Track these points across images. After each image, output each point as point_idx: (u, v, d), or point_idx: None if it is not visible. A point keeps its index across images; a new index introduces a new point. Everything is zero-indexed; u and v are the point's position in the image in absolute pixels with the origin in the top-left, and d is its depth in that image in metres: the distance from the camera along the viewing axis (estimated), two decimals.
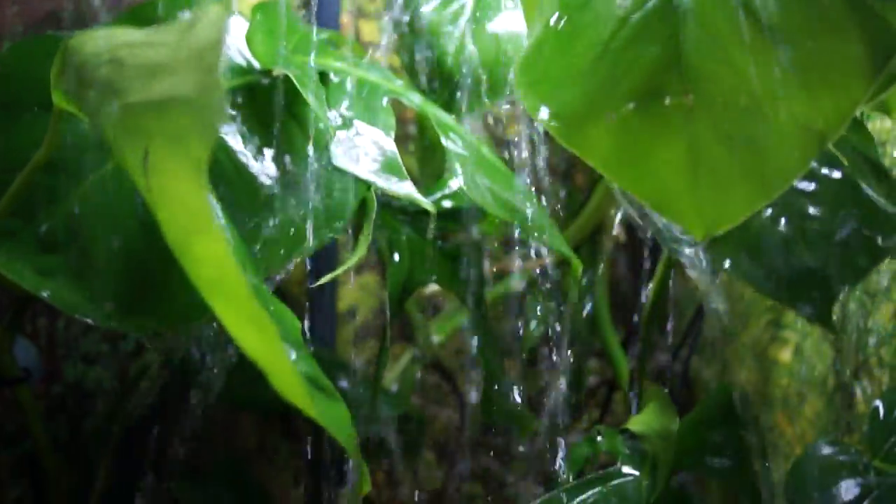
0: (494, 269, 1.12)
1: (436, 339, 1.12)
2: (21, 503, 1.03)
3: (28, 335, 1.02)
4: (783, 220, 0.77)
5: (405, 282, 0.81)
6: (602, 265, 1.04)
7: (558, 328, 1.01)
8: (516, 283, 1.11)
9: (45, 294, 0.72)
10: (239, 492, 0.95)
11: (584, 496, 0.86)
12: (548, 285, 1.03)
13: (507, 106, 0.97)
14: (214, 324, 0.89)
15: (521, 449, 1.24)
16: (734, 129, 0.57)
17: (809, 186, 0.78)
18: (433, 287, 1.15)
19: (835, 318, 1.07)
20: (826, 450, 0.88)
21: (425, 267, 0.82)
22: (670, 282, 0.98)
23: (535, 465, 1.21)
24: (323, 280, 0.75)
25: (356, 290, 1.21)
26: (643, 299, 1.06)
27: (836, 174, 0.78)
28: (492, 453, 1.26)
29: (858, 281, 0.80)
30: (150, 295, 0.74)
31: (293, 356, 0.68)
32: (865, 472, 0.86)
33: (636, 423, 0.86)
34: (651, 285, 0.99)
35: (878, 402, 0.91)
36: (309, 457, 1.11)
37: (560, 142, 0.58)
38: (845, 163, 0.76)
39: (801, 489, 0.85)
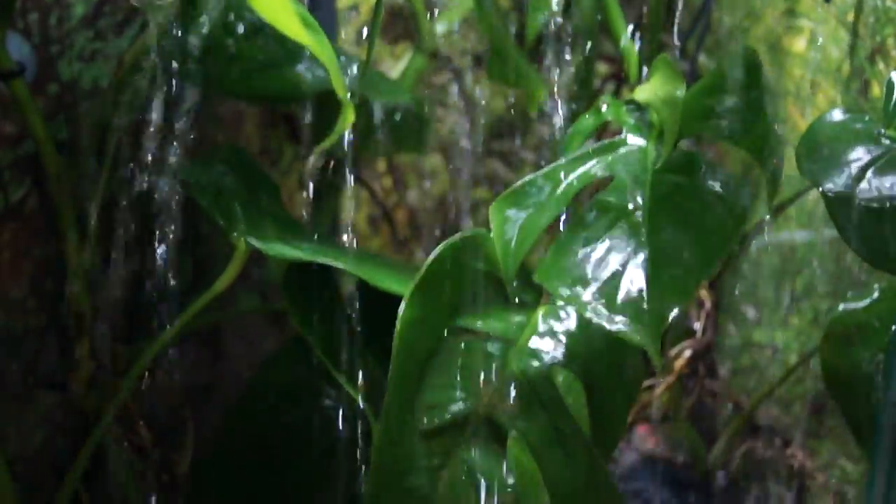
0: None
1: (440, 28, 1.09)
2: (25, 203, 1.02)
3: (20, 32, 0.99)
4: None
5: None
6: None
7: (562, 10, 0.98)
8: None
9: None
10: (244, 175, 0.94)
11: (586, 166, 0.84)
12: None
13: None
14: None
15: (526, 155, 1.22)
16: None
17: None
18: None
19: None
20: (839, 117, 0.87)
21: None
22: None
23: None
24: None
25: None
26: None
27: None
28: (499, 157, 1.25)
29: None
30: None
31: None
32: (878, 139, 0.84)
33: (642, 92, 0.84)
34: None
35: (893, 74, 0.88)
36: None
37: None
38: None
39: (813, 153, 0.84)
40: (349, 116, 0.70)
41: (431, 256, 0.79)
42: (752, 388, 1.28)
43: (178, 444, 1.16)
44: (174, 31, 0.95)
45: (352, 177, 1.07)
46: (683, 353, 1.11)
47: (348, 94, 0.76)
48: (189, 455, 1.13)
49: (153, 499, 1.11)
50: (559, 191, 0.83)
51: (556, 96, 1.05)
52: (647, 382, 1.13)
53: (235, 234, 0.88)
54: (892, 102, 0.87)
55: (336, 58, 0.67)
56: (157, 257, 1.08)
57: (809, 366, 1.19)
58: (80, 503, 1.07)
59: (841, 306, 0.97)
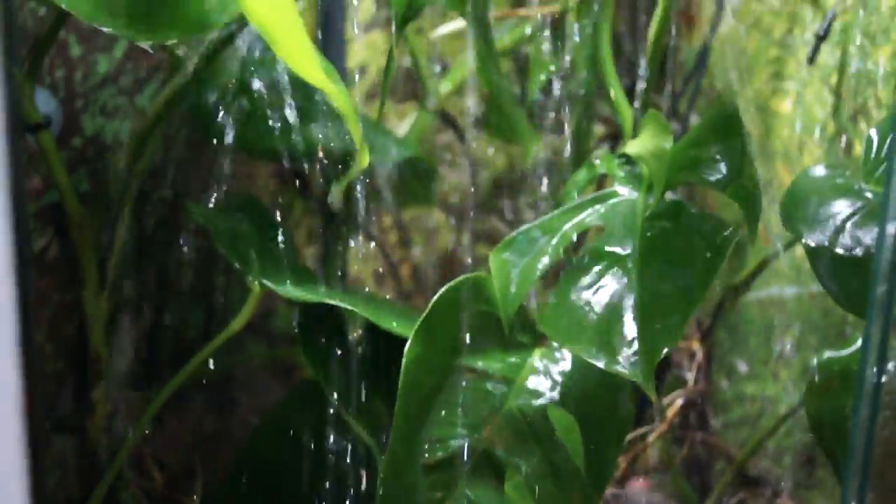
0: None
1: (444, 88, 1.15)
2: (46, 252, 1.06)
3: (47, 87, 1.04)
4: None
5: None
6: (605, 11, 1.05)
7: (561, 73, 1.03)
8: (522, 33, 1.13)
9: (62, 3, 0.75)
10: (259, 223, 0.99)
11: (580, 216, 0.89)
12: (551, 33, 1.05)
13: None
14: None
15: (526, 213, 1.27)
16: None
17: None
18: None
19: (834, 61, 1.09)
20: (821, 172, 0.91)
21: None
22: (671, 36, 1.00)
23: None
24: None
25: (365, 47, 1.23)
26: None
27: None
28: (499, 215, 1.30)
29: None
30: (161, 6, 0.76)
31: None
32: (859, 193, 0.89)
33: (632, 146, 0.89)
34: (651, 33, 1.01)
35: (873, 132, 0.93)
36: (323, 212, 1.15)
37: None
38: None
39: (796, 207, 0.88)
40: (364, 159, 0.75)
41: (436, 297, 0.84)
42: (744, 441, 1.31)
43: (188, 489, 1.19)
44: (193, 89, 1.00)
45: (362, 228, 1.12)
46: (675, 402, 1.15)
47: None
48: (199, 500, 1.17)
49: None
50: (555, 239, 0.88)
51: (553, 154, 1.11)
52: (639, 431, 1.17)
53: (250, 277, 0.93)
54: (872, 158, 0.92)
55: (355, 107, 0.72)
56: (172, 307, 1.13)
57: (798, 418, 1.22)
58: None
59: (825, 354, 1.00)
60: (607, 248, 0.87)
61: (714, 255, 0.82)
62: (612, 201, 0.90)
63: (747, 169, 0.83)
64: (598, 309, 0.84)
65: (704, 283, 0.81)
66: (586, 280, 0.86)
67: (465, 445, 0.86)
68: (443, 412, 0.85)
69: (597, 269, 0.86)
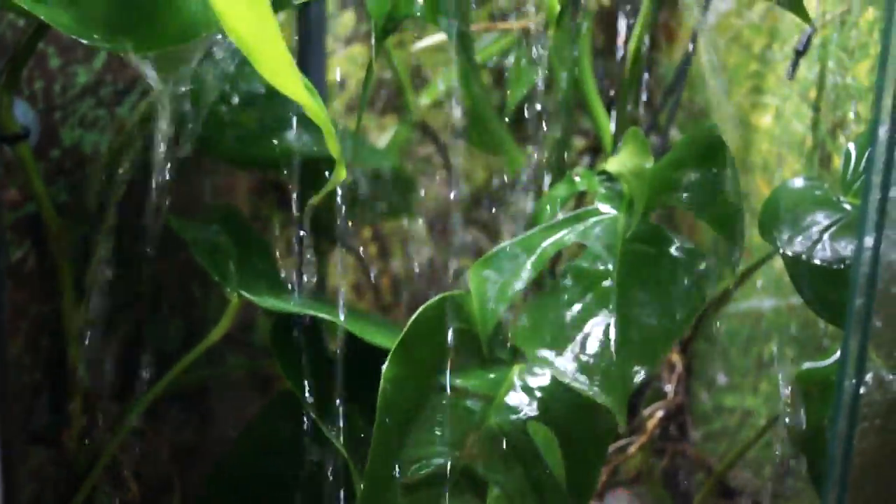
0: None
1: (424, 101, 1.15)
2: (24, 263, 1.06)
3: (25, 99, 1.04)
4: None
5: (390, 12, 0.83)
6: (585, 25, 1.06)
7: (541, 87, 1.03)
8: (503, 46, 1.13)
9: (41, 15, 0.74)
10: (238, 235, 0.99)
11: (560, 234, 0.89)
12: (532, 45, 1.05)
13: None
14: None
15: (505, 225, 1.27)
16: None
17: None
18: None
19: (813, 75, 1.10)
20: (800, 184, 0.92)
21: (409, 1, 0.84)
22: (647, 52, 1.00)
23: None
24: None
25: (346, 60, 1.23)
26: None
27: None
28: (480, 227, 1.30)
29: None
30: (140, 18, 0.76)
31: None
32: (837, 204, 0.89)
33: (613, 164, 0.88)
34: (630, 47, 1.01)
35: (851, 145, 0.93)
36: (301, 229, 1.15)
37: None
38: None
39: (774, 219, 0.88)
40: (342, 172, 0.75)
41: (414, 317, 0.83)
42: (724, 452, 1.31)
43: (165, 502, 1.19)
44: (173, 100, 1.00)
45: (342, 236, 1.11)
46: (655, 414, 1.15)
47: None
48: None
49: None
50: (534, 257, 0.87)
51: (533, 168, 1.11)
52: (620, 443, 1.17)
53: (229, 289, 0.92)
54: (850, 171, 0.92)
55: (331, 119, 0.72)
56: (151, 318, 1.12)
57: (777, 429, 1.23)
58: None
59: (805, 365, 1.01)
60: (588, 267, 0.86)
61: (697, 292, 0.82)
62: (592, 219, 0.89)
63: (729, 193, 0.83)
64: (575, 329, 0.83)
65: (686, 318, 0.81)
66: (565, 298, 0.85)
67: (446, 464, 0.85)
68: (423, 431, 0.85)
69: (577, 288, 0.86)
